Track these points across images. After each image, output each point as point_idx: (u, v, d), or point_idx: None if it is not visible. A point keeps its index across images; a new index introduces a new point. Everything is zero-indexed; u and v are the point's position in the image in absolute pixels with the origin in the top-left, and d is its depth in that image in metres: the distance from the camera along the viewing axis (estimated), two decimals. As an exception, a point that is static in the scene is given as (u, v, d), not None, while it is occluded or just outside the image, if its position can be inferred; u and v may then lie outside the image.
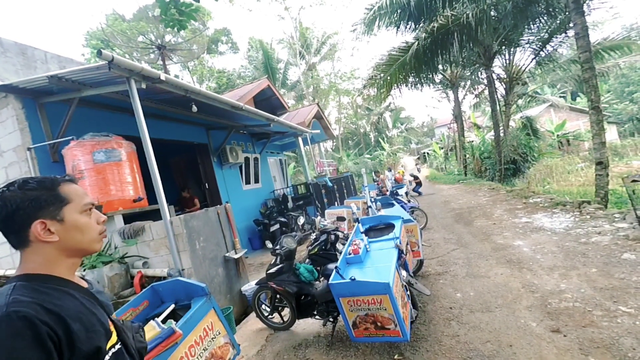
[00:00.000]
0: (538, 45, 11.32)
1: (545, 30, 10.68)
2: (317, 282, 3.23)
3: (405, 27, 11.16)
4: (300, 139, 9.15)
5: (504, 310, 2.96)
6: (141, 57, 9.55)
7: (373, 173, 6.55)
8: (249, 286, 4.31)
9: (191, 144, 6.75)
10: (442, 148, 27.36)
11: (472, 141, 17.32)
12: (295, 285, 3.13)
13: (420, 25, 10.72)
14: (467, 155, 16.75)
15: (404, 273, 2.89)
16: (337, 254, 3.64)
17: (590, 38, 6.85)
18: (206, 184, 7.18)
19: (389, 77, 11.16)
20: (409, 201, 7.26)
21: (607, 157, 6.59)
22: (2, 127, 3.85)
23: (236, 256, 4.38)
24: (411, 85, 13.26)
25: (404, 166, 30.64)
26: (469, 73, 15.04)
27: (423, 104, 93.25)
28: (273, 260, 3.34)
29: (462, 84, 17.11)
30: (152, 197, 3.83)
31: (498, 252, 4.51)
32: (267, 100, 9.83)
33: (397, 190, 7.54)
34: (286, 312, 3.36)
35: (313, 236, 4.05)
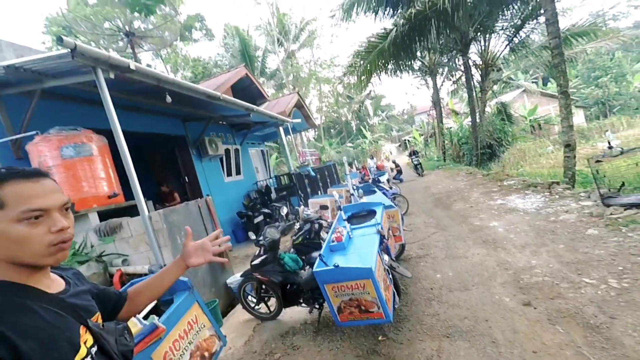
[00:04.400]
0: (511, 32, 11.61)
1: (518, 17, 10.94)
2: (302, 271, 3.26)
3: (384, 13, 11.12)
4: (281, 128, 9.04)
5: (480, 288, 3.12)
6: (108, 45, 8.97)
7: (347, 165, 6.62)
8: (234, 278, 4.30)
9: (168, 137, 6.52)
10: (422, 135, 27.91)
11: (451, 127, 17.75)
12: (280, 274, 3.15)
13: (399, 11, 10.71)
14: (446, 141, 17.18)
15: (386, 257, 2.97)
16: (321, 242, 3.68)
17: (559, 25, 7.09)
18: (186, 178, 6.99)
19: (368, 65, 11.15)
20: (390, 188, 7.39)
21: (575, 139, 6.95)
22: (-46, 123, 3.56)
23: (220, 249, 4.33)
24: (391, 72, 13.32)
25: (391, 152, 31.05)
26: (447, 60, 15.26)
27: (403, 91, 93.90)
28: (257, 252, 3.34)
29: (440, 70, 17.35)
30: (128, 193, 3.70)
31: (475, 233, 4.71)
32: (246, 90, 9.58)
33: (379, 178, 7.65)
34: (272, 302, 3.39)
35: (297, 226, 4.07)
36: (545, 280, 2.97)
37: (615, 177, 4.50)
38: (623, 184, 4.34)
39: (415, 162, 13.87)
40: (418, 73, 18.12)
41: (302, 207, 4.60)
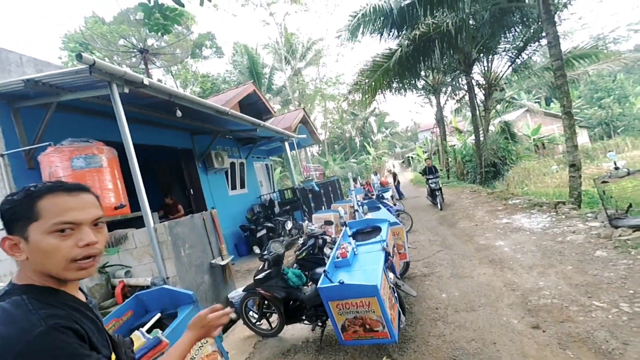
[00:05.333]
0: (514, 53, 11.85)
1: (520, 39, 11.19)
2: (305, 287, 3.23)
3: (389, 35, 11.41)
4: (286, 143, 9.16)
5: (487, 309, 3.05)
6: (122, 60, 9.31)
7: (351, 180, 6.59)
8: (235, 293, 4.25)
9: (175, 149, 6.63)
10: (425, 152, 28.00)
11: (454, 145, 17.83)
12: (283, 290, 3.11)
13: (403, 32, 10.99)
14: (450, 159, 17.21)
15: (391, 275, 2.93)
16: (325, 258, 3.65)
17: (561, 47, 7.23)
18: (191, 190, 7.05)
19: (373, 83, 11.39)
20: (394, 204, 7.37)
21: (580, 159, 6.94)
22: (-28, 133, 3.67)
23: (223, 263, 4.32)
24: (395, 91, 13.57)
25: (394, 166, 31.12)
26: (450, 79, 15.53)
27: (407, 109, 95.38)
28: (261, 266, 3.32)
29: (444, 89, 17.62)
30: (134, 204, 3.74)
31: (481, 252, 4.64)
32: (253, 105, 9.79)
33: (383, 194, 7.65)
34: (274, 318, 3.33)
35: (301, 241, 4.05)
36: (554, 303, 2.90)
37: (622, 198, 4.46)
38: (631, 205, 4.30)
39: (434, 185, 9.01)
40: (422, 92, 18.42)
41: (307, 221, 4.60)
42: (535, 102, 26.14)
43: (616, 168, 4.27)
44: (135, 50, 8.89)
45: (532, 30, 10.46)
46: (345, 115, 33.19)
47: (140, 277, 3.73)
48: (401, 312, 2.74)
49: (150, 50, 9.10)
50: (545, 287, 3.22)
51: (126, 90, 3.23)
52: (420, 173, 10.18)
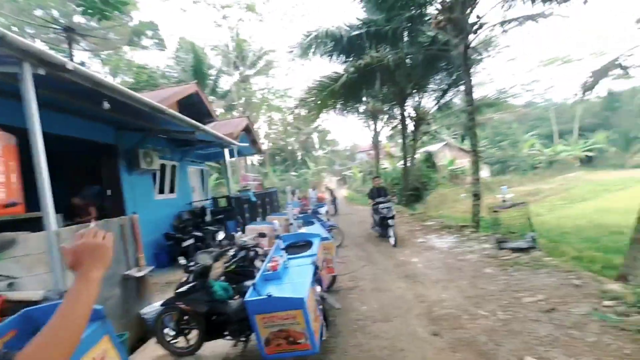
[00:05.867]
0: (439, 94, 13.76)
1: (445, 83, 13.08)
2: (232, 301, 3.15)
3: (337, 58, 12.18)
4: (226, 150, 8.87)
5: (399, 319, 3.41)
6: (36, 34, 7.92)
7: (290, 193, 6.72)
8: (150, 308, 3.88)
9: (94, 144, 5.87)
10: (361, 172, 29.89)
11: (386, 168, 19.48)
12: (207, 304, 2.99)
13: (350, 59, 11.86)
14: (382, 181, 18.71)
15: (318, 288, 3.07)
16: (256, 271, 3.63)
17: (474, 95, 8.71)
18: (108, 191, 6.27)
19: (319, 101, 11.91)
20: (328, 219, 7.69)
21: (481, 190, 8.30)
22: None
23: (139, 274, 3.92)
24: (338, 111, 14.41)
25: (330, 183, 32.24)
26: (387, 108, 17.12)
27: (347, 129, 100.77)
28: (184, 278, 3.14)
29: (381, 116, 19.30)
30: (34, 202, 3.20)
31: (399, 267, 5.16)
32: (194, 106, 9.29)
33: (319, 209, 7.92)
34: (193, 335, 3.15)
35: (231, 252, 3.95)
36: (452, 312, 3.39)
37: (508, 225, 5.49)
38: (512, 232, 5.32)
39: (385, 212, 6.77)
40: (362, 115, 19.83)
41: (239, 232, 4.51)
42: (453, 138, 30.34)
43: (504, 201, 5.26)
44: (56, 27, 7.68)
45: (453, 77, 12.33)
46: (290, 128, 33.56)
47: (29, 291, 3.15)
48: (324, 325, 2.89)
49: (77, 30, 7.96)
50: (446, 299, 3.75)
51: (42, 72, 2.83)
52: (367, 196, 7.94)
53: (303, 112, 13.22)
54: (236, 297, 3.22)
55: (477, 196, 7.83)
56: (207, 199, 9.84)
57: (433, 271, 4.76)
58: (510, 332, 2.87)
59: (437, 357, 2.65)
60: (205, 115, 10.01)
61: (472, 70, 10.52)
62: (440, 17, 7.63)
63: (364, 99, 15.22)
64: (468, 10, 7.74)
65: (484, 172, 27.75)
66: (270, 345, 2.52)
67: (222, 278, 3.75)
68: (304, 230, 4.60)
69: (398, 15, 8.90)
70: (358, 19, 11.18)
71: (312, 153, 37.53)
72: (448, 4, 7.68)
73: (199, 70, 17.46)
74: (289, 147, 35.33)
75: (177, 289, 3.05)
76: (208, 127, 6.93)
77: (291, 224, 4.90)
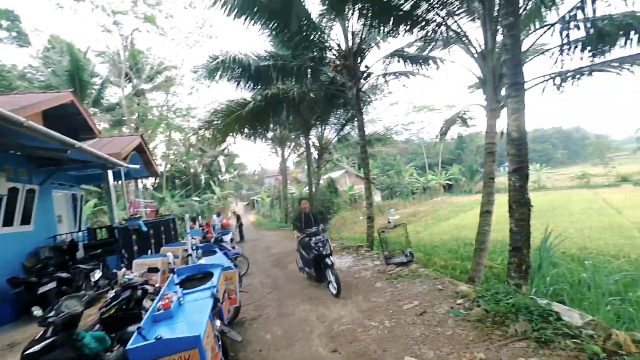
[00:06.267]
0: (339, 127, 15.35)
1: (343, 118, 14.73)
2: (109, 353, 2.67)
3: (245, 85, 12.27)
4: (110, 172, 7.62)
5: (302, 342, 3.51)
6: None
7: (188, 221, 6.21)
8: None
9: None
10: (269, 196, 29.87)
11: (293, 193, 20.10)
12: (73, 362, 2.45)
13: (258, 87, 12.15)
14: (288, 205, 19.14)
15: (217, 322, 2.92)
16: (144, 312, 3.18)
17: (366, 130, 10.09)
18: None
19: (225, 125, 11.64)
20: (233, 247, 7.35)
21: (373, 213, 9.47)
22: None
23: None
24: (246, 136, 14.31)
25: (239, 207, 30.85)
26: (294, 136, 18.02)
27: (256, 154, 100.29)
28: (39, 334, 2.52)
29: (288, 143, 20.11)
30: None
31: (303, 290, 5.32)
32: (68, 119, 7.75)
33: (222, 237, 7.51)
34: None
35: (111, 294, 3.36)
36: (348, 328, 3.71)
37: (394, 243, 6.42)
38: (396, 249, 6.25)
39: (319, 248, 5.17)
40: (270, 141, 20.23)
41: (124, 269, 3.89)
42: (352, 166, 33.92)
43: (389, 222, 6.17)
44: None
45: (350, 114, 14.05)
46: (193, 150, 31.14)
47: None
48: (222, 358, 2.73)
49: None
50: (344, 315, 4.08)
51: None
52: (292, 224, 6.13)
53: (208, 134, 12.61)
54: (116, 347, 2.74)
55: (370, 218, 8.89)
56: (79, 231, 8.08)
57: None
58: (394, 337, 3.33)
59: (334, 373, 2.84)
60: (82, 129, 8.46)
61: (363, 109, 12.29)
62: (337, 62, 8.78)
63: (272, 126, 15.67)
64: (359, 60, 9.16)
65: (377, 197, 31.70)
66: (159, 395, 2.23)
67: (97, 327, 3.13)
68: (203, 261, 4.30)
69: (302, 54, 9.75)
70: (266, 51, 11.71)
71: (217, 177, 35.47)
72: (343, 52, 8.93)
73: (77, 77, 14.72)
74: (192, 170, 32.56)
75: (27, 349, 2.40)
76: (86, 145, 5.88)
77: (190, 254, 4.51)
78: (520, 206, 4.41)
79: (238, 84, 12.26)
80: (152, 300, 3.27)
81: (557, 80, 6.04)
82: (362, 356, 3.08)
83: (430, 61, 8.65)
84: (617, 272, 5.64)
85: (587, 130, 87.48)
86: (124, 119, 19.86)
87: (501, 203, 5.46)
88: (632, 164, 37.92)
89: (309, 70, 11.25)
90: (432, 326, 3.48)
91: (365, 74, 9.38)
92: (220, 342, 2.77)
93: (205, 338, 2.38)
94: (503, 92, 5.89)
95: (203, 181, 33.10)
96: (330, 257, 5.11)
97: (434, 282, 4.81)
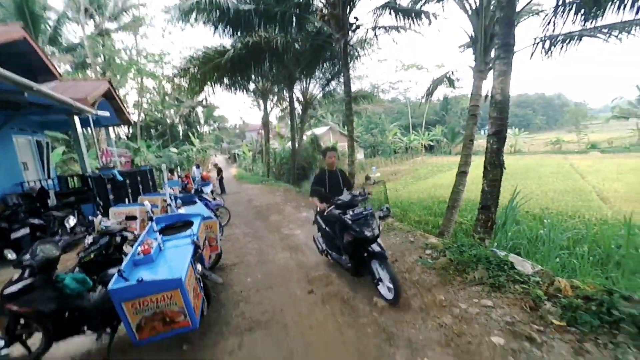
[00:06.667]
0: (324, 82, 14.75)
1: (329, 73, 14.09)
2: (90, 293, 2.74)
3: (224, 31, 11.24)
4: (76, 118, 7.10)
5: (281, 285, 3.75)
6: None
7: (165, 171, 6.06)
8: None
9: None
10: (251, 150, 29.39)
11: (276, 148, 19.83)
12: (54, 301, 2.51)
13: (238, 34, 11.18)
14: (271, 160, 18.98)
15: (199, 266, 3.02)
16: (124, 257, 3.23)
17: (352, 86, 9.80)
18: None
19: (203, 74, 10.88)
20: (214, 199, 7.37)
21: (356, 170, 9.63)
22: None
23: None
24: (226, 87, 13.51)
25: (219, 160, 30.36)
26: (277, 90, 17.21)
27: (237, 107, 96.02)
28: (16, 276, 2.52)
29: (271, 97, 19.26)
30: None
31: (284, 240, 5.54)
32: (21, 57, 6.91)
33: (203, 188, 7.47)
34: (37, 338, 2.61)
35: (89, 240, 3.35)
36: (324, 273, 3.97)
37: (373, 199, 6.66)
38: (373, 205, 6.49)
39: (360, 224, 3.44)
40: (252, 94, 19.27)
41: (100, 217, 3.84)
42: (336, 123, 33.43)
43: (367, 178, 6.32)
44: None
45: (336, 69, 13.43)
46: (168, 99, 29.26)
47: None
48: (205, 301, 2.90)
49: None
50: (321, 262, 4.33)
51: None
52: (312, 186, 4.26)
53: (184, 82, 11.76)
54: (98, 288, 2.82)
55: (352, 175, 9.04)
56: (48, 178, 7.74)
57: (311, 241, 5.33)
58: (365, 281, 3.61)
59: (310, 311, 3.10)
60: (40, 71, 7.63)
61: (351, 64, 11.74)
62: (325, 11, 8.12)
63: (254, 77, 14.80)
64: (348, 10, 8.52)
65: (359, 155, 31.92)
66: (144, 330, 2.37)
67: (77, 270, 3.17)
68: (183, 210, 4.31)
69: (287, -1, 8.92)
70: (247, -6, 10.57)
71: (196, 129, 34.07)
72: (332, 0, 8.23)
73: (26, 9, 12.82)
74: (169, 120, 30.95)
75: (4, 289, 2.42)
76: (45, 88, 5.36)
77: (169, 204, 4.49)
78: (494, 167, 4.61)
79: (216, 28, 11.22)
80: (132, 246, 3.31)
81: (547, 44, 5.95)
82: (335, 296, 3.35)
83: (423, 15, 8.16)
84: (570, 230, 6.22)
85: (567, 98, 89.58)
86: (87, 61, 18.00)
87: (477, 165, 5.67)
88: (604, 132, 39.85)
89: (294, 17, 10.40)
90: (401, 272, 3.78)
91: (354, 26, 8.82)
92: (202, 284, 2.90)
93: (187, 280, 2.49)
94: (493, 54, 5.76)
95: (181, 132, 31.78)
96: (377, 241, 3.34)
97: (407, 235, 5.13)
